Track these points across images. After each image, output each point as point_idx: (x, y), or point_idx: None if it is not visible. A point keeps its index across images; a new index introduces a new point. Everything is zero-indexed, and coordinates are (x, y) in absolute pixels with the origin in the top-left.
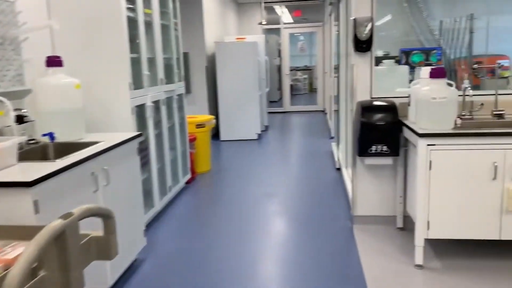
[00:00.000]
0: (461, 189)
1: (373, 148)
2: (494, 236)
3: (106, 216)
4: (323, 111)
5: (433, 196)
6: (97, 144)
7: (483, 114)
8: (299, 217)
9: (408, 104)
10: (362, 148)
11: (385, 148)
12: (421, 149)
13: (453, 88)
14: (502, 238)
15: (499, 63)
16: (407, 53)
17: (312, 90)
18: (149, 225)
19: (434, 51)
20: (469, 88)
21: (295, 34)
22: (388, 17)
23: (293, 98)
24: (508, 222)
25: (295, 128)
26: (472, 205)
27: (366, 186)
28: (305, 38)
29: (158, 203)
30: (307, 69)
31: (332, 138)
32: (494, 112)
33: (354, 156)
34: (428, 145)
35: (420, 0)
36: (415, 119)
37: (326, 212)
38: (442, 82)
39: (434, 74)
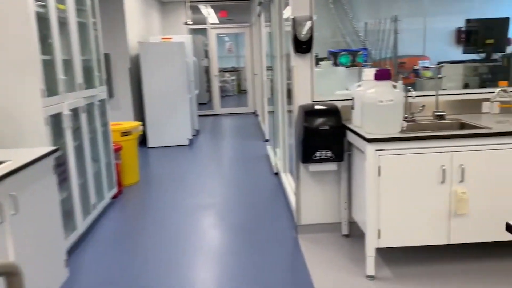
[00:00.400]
0: (411, 194)
1: (318, 154)
2: (443, 241)
3: (9, 274)
4: (254, 113)
5: (383, 204)
6: (2, 165)
7: (424, 115)
8: (239, 229)
9: (352, 107)
10: (306, 155)
11: (329, 153)
12: (370, 155)
13: (398, 90)
14: (451, 243)
15: (420, 63)
16: (335, 54)
17: (241, 91)
18: (72, 251)
19: (360, 52)
20: (412, 89)
21: (221, 35)
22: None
23: (223, 100)
24: (456, 226)
25: (227, 131)
26: (422, 210)
27: (310, 194)
28: (231, 39)
29: (81, 224)
30: (235, 70)
31: (266, 141)
32: (436, 114)
33: (297, 163)
34: (377, 150)
35: (346, 2)
36: (361, 123)
37: (268, 222)
38: (387, 84)
39: (380, 76)
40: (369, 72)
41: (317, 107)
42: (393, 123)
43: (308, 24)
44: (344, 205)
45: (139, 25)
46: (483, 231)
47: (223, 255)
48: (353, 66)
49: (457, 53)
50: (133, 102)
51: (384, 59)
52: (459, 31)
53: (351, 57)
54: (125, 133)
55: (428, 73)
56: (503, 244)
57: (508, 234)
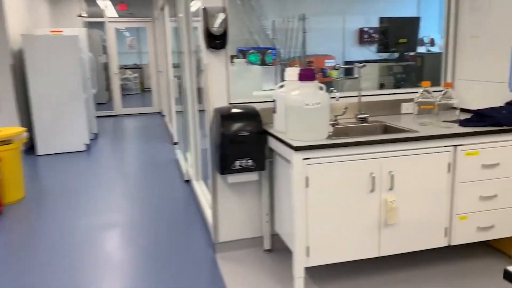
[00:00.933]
0: (342, 206)
1: (237, 163)
2: (374, 254)
3: None
4: (160, 113)
5: (312, 218)
6: None
7: (347, 118)
8: (148, 253)
9: (273, 110)
10: (225, 165)
11: (250, 162)
12: (297, 165)
13: (324, 91)
14: (381, 255)
15: (328, 63)
16: (243, 52)
17: (144, 90)
18: None
19: (269, 50)
20: (335, 90)
21: (121, 30)
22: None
23: (125, 100)
24: (386, 236)
25: (130, 134)
26: (353, 223)
27: (229, 208)
28: (132, 34)
29: None
30: (138, 68)
31: (175, 143)
32: (359, 116)
33: (214, 174)
34: (304, 159)
35: None
36: (285, 128)
37: (182, 241)
38: (313, 85)
39: (304, 76)
40: (292, 72)
41: (235, 110)
42: (320, 128)
43: (221, 15)
44: (266, 218)
45: (23, 15)
46: (412, 240)
47: (132, 281)
48: (262, 65)
49: (364, 53)
50: (18, 104)
51: (293, 58)
52: (361, 31)
53: (260, 56)
54: (5, 142)
55: (335, 73)
56: (430, 250)
57: (437, 240)
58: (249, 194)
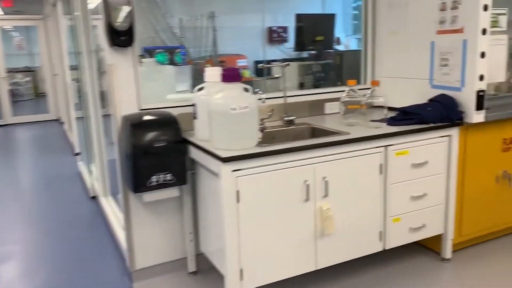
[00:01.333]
0: (276, 219)
1: (154, 179)
2: (311, 267)
3: None
4: (58, 120)
5: (245, 236)
6: None
7: (272, 121)
8: (52, 286)
9: (193, 116)
10: (139, 181)
11: (169, 176)
12: (226, 178)
13: (251, 93)
14: (319, 267)
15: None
16: (150, 52)
17: (39, 95)
18: None
19: (178, 50)
20: (261, 91)
21: (7, 29)
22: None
23: (15, 107)
24: (323, 247)
25: (23, 145)
26: (289, 236)
27: (146, 229)
28: (22, 34)
29: None
30: (30, 71)
31: (77, 154)
32: (285, 119)
33: (126, 192)
34: (234, 171)
35: None
36: (209, 136)
37: (91, 270)
38: (238, 87)
39: (228, 77)
40: (212, 72)
41: (147, 117)
42: (249, 135)
43: (126, 8)
44: (190, 237)
45: None
46: (349, 248)
47: None
48: (172, 64)
49: (275, 52)
50: None
51: (204, 58)
52: (270, 30)
53: (169, 55)
54: None
55: (247, 73)
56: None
57: (372, 245)
58: (169, 212)
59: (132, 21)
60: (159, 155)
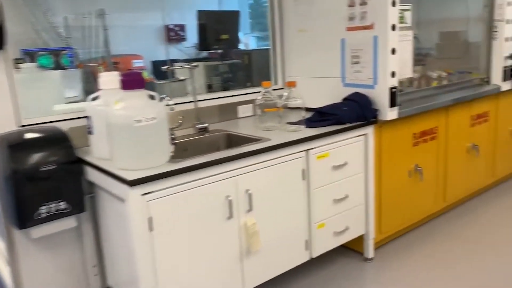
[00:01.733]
0: (197, 243)
1: (43, 209)
2: None
3: None
4: None
5: (162, 267)
6: None
7: (183, 129)
8: None
9: (88, 130)
10: (24, 215)
11: (63, 205)
12: (135, 204)
13: (157, 101)
14: None
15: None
16: (31, 54)
17: None
18: None
19: (65, 51)
20: (168, 97)
21: None
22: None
23: None
24: (250, 266)
25: None
26: (212, 260)
27: (37, 268)
28: None
29: None
30: None
31: None
32: (198, 126)
33: (9, 228)
34: (144, 194)
35: None
36: (110, 154)
37: None
38: (141, 95)
39: (129, 83)
40: (109, 78)
41: (29, 135)
42: (159, 150)
43: None
44: (94, 270)
45: None
46: (276, 263)
47: None
48: (58, 69)
49: (173, 51)
50: None
51: (96, 59)
52: (167, 28)
53: (54, 58)
54: None
55: (145, 74)
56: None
57: (299, 256)
58: (67, 245)
59: (2, 19)
60: (48, 180)
